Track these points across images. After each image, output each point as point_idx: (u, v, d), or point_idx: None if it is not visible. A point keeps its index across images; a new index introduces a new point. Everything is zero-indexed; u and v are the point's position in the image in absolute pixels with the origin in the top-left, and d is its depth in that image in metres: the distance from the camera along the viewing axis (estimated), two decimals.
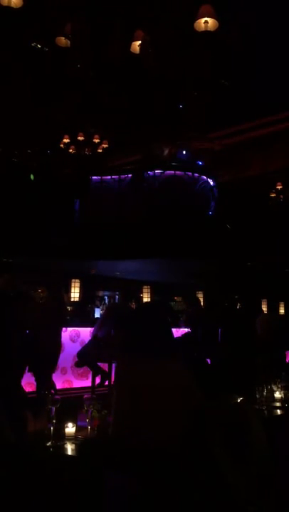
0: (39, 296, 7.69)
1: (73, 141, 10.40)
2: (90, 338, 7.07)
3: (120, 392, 2.51)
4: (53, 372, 5.44)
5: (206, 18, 4.49)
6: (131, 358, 2.57)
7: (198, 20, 4.54)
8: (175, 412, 2.40)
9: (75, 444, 2.73)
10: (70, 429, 2.85)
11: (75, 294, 11.33)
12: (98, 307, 11.29)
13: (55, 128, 10.19)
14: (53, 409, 2.80)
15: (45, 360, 4.90)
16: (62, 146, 10.35)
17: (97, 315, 10.45)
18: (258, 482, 2.27)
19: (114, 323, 6.33)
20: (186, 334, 7.23)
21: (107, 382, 6.58)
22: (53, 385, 5.15)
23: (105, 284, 13.01)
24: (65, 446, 2.72)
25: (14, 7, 4.58)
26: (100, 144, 10.48)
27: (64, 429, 2.84)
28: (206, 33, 4.53)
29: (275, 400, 4.08)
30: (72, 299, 11.08)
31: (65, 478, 2.48)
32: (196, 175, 10.23)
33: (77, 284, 11.45)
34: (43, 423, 2.88)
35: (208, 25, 4.52)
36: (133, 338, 2.66)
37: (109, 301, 12.29)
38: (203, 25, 4.54)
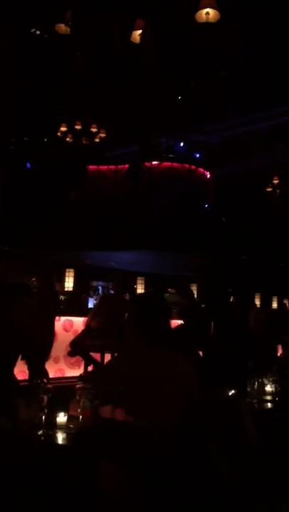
0: (32, 285, 7.67)
1: (70, 130, 10.34)
2: (83, 327, 7.07)
3: (120, 375, 2.49)
4: (46, 360, 5.45)
5: (207, 9, 4.46)
6: (136, 344, 2.56)
7: (200, 11, 4.50)
8: (174, 403, 2.39)
9: (67, 434, 2.74)
10: (62, 418, 2.86)
11: (69, 284, 11.30)
12: (92, 297, 11.29)
13: (52, 116, 10.12)
14: (45, 398, 2.81)
15: (39, 349, 4.90)
16: (59, 134, 10.29)
17: (90, 305, 10.45)
18: (250, 475, 2.29)
19: (128, 303, 6.26)
20: (178, 326, 7.24)
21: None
22: (46, 374, 5.15)
23: (100, 274, 13.00)
24: (57, 435, 2.73)
25: None
26: (97, 133, 10.43)
27: (55, 419, 2.85)
28: (207, 24, 4.50)
29: (265, 393, 4.11)
30: (66, 289, 11.05)
31: (58, 468, 2.48)
32: (193, 167, 10.23)
33: (72, 274, 11.42)
34: (35, 412, 2.88)
35: (210, 16, 4.48)
36: (139, 324, 2.63)
37: (103, 292, 12.30)
38: (204, 16, 4.50)
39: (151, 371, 2.41)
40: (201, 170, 10.43)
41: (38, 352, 4.84)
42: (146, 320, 2.56)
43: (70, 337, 7.00)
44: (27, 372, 5.04)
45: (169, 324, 2.65)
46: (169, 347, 2.52)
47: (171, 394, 2.38)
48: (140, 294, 7.54)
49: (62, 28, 5.11)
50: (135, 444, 2.28)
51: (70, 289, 11.12)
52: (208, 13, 4.48)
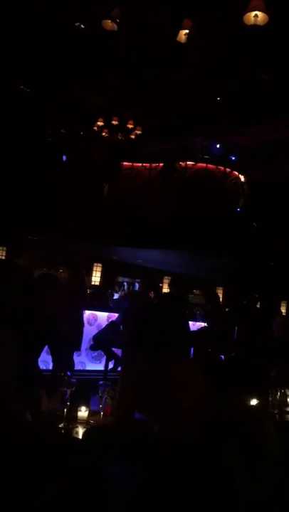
0: (60, 276, 7.75)
1: (107, 124, 10.37)
2: (106, 322, 7.12)
3: (126, 384, 2.53)
4: (78, 351, 5.54)
5: (256, 12, 4.40)
6: (140, 351, 2.57)
7: (248, 14, 4.44)
8: (181, 408, 2.38)
9: (87, 429, 2.75)
10: (83, 412, 2.87)
11: (96, 278, 11.37)
12: (117, 292, 11.34)
13: (90, 110, 10.16)
14: (68, 391, 2.83)
15: (65, 341, 4.94)
16: (95, 128, 10.33)
17: None
18: (269, 486, 2.26)
19: (122, 320, 6.21)
20: (202, 329, 7.22)
21: (120, 368, 6.62)
22: (72, 365, 5.19)
23: (126, 270, 13.02)
24: (77, 429, 2.75)
25: None
26: (133, 129, 10.43)
27: (76, 412, 2.86)
28: (255, 27, 4.44)
29: (288, 404, 4.04)
30: (92, 283, 11.12)
31: (75, 461, 2.50)
32: (228, 170, 10.14)
33: (99, 269, 11.49)
34: (56, 404, 2.90)
35: (258, 19, 4.42)
36: (145, 332, 2.66)
37: (128, 288, 12.33)
38: (252, 18, 4.44)
39: (160, 377, 2.43)
40: (236, 173, 10.33)
41: (65, 343, 4.88)
42: (135, 333, 2.61)
43: (94, 331, 7.06)
44: (50, 362, 5.09)
45: (179, 330, 2.68)
46: (179, 354, 2.53)
47: (179, 399, 2.38)
48: (161, 296, 7.54)
49: (109, 24, 5.11)
50: (144, 447, 2.28)
51: (97, 283, 11.19)
52: (256, 16, 4.42)
